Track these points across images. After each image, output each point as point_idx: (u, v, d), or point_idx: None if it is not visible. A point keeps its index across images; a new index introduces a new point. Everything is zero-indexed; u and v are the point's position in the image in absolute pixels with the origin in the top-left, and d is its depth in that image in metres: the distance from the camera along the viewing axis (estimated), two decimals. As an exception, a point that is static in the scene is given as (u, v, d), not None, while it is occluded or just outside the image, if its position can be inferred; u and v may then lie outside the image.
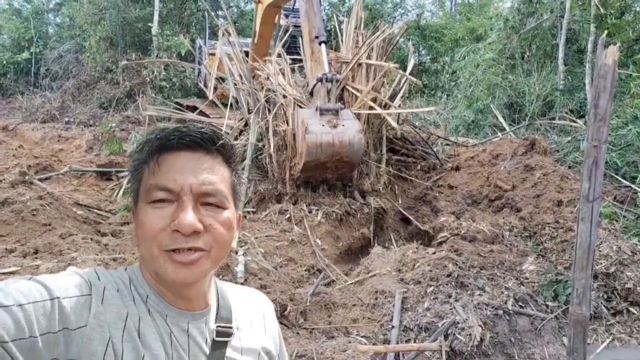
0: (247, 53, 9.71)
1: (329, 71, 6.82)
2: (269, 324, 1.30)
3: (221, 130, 8.19)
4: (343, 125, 6.23)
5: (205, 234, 1.03)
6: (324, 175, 6.67)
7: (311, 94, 6.96)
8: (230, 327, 1.16)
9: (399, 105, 8.48)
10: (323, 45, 7.23)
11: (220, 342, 1.13)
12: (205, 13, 18.32)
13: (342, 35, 8.70)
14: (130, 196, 1.11)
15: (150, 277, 1.07)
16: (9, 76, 20.36)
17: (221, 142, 1.09)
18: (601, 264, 4.98)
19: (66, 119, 15.86)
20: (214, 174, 1.06)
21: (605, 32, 5.45)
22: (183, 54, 17.06)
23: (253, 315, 1.26)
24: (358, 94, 7.27)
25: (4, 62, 20.13)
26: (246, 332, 1.21)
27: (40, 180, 7.82)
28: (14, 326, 0.84)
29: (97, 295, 0.99)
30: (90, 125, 14.97)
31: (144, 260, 1.07)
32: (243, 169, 6.88)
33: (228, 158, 1.12)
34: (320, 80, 6.56)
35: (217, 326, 1.14)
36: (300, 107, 6.86)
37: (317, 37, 7.30)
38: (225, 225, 1.06)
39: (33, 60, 20.39)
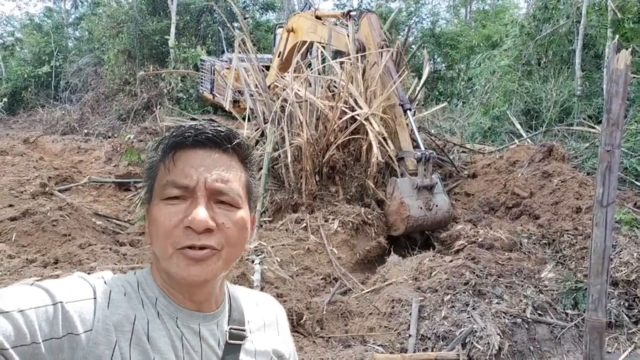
0: (266, 67, 9.75)
1: (423, 148, 7.08)
2: (282, 327, 1.28)
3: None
4: (437, 206, 6.77)
5: (217, 232, 1.01)
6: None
7: (400, 159, 7.29)
8: (244, 330, 1.14)
9: (414, 113, 8.46)
10: (409, 112, 7.37)
11: (233, 344, 1.11)
12: (221, 26, 18.54)
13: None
14: (145, 194, 1.10)
15: (161, 277, 1.06)
16: (30, 89, 20.71)
17: (237, 141, 1.08)
18: (622, 271, 4.91)
19: (85, 131, 16.09)
20: (228, 172, 1.05)
21: (622, 37, 5.39)
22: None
23: (266, 318, 1.24)
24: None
25: (25, 75, 20.50)
26: (258, 335, 1.19)
27: (60, 191, 7.93)
28: (15, 332, 0.83)
29: (102, 299, 0.97)
30: (109, 137, 15.16)
31: (156, 258, 1.05)
32: (259, 178, 6.91)
33: (244, 158, 1.11)
34: (419, 160, 6.81)
35: (230, 328, 1.12)
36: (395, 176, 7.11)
37: (402, 105, 7.38)
38: (238, 225, 1.05)
39: (53, 74, 20.73)
